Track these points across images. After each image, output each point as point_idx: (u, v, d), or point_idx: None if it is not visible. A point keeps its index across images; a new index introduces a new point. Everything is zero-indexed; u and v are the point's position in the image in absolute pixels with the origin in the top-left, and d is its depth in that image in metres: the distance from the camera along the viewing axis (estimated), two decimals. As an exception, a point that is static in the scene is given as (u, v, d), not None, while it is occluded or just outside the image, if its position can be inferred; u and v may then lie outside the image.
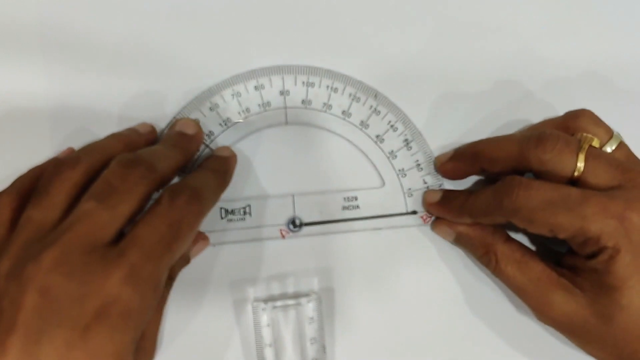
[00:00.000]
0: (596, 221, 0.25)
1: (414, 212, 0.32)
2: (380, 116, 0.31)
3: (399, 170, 0.32)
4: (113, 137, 0.28)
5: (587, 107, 0.29)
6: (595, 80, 0.33)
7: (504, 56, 0.33)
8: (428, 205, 0.31)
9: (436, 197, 0.31)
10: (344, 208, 0.31)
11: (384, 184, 0.32)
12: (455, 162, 0.31)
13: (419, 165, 0.32)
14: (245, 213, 0.31)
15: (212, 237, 0.30)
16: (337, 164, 0.32)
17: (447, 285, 0.32)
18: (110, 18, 0.30)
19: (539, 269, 0.28)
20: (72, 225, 0.23)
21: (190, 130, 0.29)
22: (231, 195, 0.31)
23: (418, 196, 0.32)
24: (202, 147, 0.30)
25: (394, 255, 0.32)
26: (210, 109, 0.30)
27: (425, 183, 0.32)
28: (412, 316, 0.32)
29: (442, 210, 0.31)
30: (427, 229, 0.32)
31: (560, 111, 0.30)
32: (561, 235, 0.26)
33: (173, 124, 0.30)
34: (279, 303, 0.30)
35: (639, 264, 0.25)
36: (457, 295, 0.32)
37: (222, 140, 0.30)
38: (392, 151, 0.31)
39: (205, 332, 0.30)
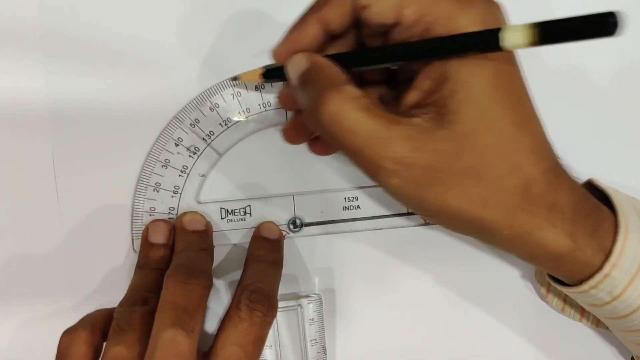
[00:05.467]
0: None
1: (415, 213, 0.32)
2: (381, 116, 0.31)
3: (400, 170, 0.31)
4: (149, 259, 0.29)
5: (588, 106, 0.29)
6: (596, 81, 0.33)
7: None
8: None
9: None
10: (345, 208, 0.31)
11: (384, 184, 0.32)
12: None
13: (419, 165, 0.32)
14: (245, 213, 0.31)
15: (213, 238, 0.30)
16: (337, 164, 0.32)
17: (447, 285, 0.32)
18: (110, 18, 0.30)
19: (382, 113, 0.22)
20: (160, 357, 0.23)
21: (201, 227, 0.29)
22: (231, 196, 0.31)
23: (419, 196, 0.32)
24: (204, 146, 0.30)
25: (394, 256, 0.32)
26: (211, 109, 0.30)
27: (426, 183, 0.32)
28: (412, 316, 0.32)
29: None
30: (428, 229, 0.32)
31: (560, 110, 0.30)
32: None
33: (180, 218, 0.30)
34: (279, 304, 0.30)
35: (481, 96, 0.22)
36: (457, 296, 0.32)
37: (222, 140, 0.30)
38: (392, 151, 0.31)
39: (206, 333, 0.30)
